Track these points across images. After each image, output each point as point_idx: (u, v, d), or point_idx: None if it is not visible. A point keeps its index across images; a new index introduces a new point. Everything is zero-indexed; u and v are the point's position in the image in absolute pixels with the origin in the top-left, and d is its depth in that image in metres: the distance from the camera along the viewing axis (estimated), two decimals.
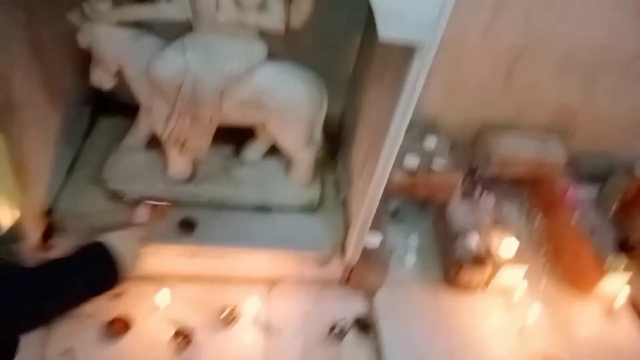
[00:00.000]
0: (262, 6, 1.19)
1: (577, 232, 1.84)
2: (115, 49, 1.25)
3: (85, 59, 1.35)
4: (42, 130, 1.39)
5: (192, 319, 1.48)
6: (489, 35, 1.70)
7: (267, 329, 1.50)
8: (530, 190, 2.05)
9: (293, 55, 1.39)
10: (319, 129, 1.50)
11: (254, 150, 1.64)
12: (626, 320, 1.75)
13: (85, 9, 1.20)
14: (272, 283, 1.62)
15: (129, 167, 1.54)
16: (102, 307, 1.44)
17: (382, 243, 1.62)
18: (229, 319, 1.48)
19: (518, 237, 1.72)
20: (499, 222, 1.80)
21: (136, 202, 1.45)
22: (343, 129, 1.81)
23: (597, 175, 2.05)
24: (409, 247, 1.82)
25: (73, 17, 1.22)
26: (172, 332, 1.42)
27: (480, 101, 1.92)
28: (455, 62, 1.78)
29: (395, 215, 1.89)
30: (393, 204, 1.92)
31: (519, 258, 1.69)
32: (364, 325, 1.56)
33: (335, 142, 1.82)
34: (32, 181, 1.32)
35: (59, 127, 1.49)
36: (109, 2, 1.21)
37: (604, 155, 2.10)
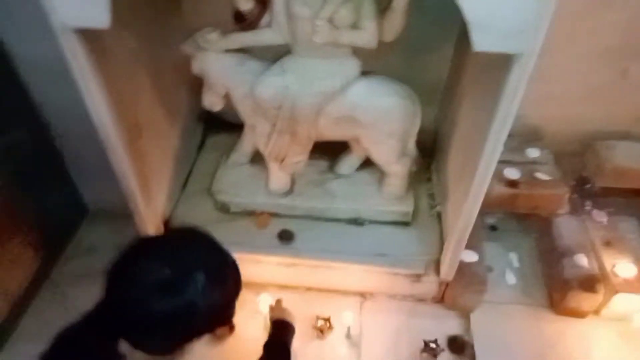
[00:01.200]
0: (356, 25, 1.23)
1: None
2: (223, 74, 1.38)
3: (197, 81, 1.50)
4: (163, 147, 1.57)
5: None
6: (592, 34, 1.57)
7: (359, 343, 1.52)
8: None
9: (385, 68, 1.42)
10: (413, 142, 1.50)
11: (348, 164, 1.69)
12: None
13: (197, 39, 1.34)
14: (364, 296, 1.63)
15: (234, 181, 1.67)
16: None
17: (480, 260, 1.56)
18: (323, 329, 1.52)
19: (637, 258, 1.55)
20: (613, 241, 1.64)
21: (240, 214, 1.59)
22: (437, 140, 1.78)
23: None
24: (508, 265, 1.73)
25: (187, 47, 1.37)
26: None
27: (589, 107, 1.77)
28: (556, 67, 1.66)
29: (494, 230, 1.81)
30: (491, 219, 1.84)
31: (637, 282, 1.53)
32: (459, 346, 1.51)
33: (429, 154, 1.80)
34: (154, 193, 1.49)
35: (176, 144, 1.67)
36: (218, 32, 1.34)
37: None
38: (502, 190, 1.63)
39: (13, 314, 1.54)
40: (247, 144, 1.66)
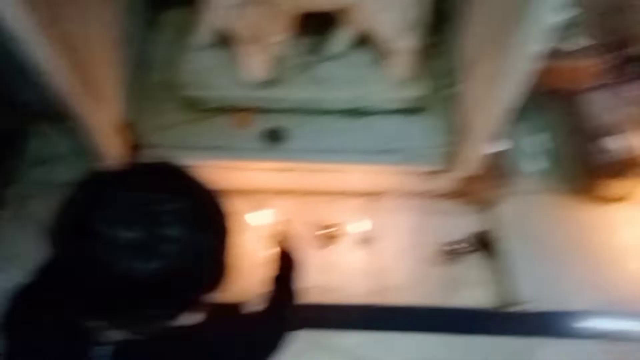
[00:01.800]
0: None
1: None
2: None
3: None
4: (98, 30, 1.18)
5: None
6: None
7: (370, 247, 1.34)
8: None
9: None
10: (424, 7, 1.16)
11: (340, 41, 1.35)
12: None
13: None
14: (373, 197, 1.42)
15: (200, 69, 1.33)
16: None
17: (507, 148, 1.34)
18: (329, 236, 1.34)
19: None
20: None
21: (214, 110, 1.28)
22: (454, 5, 1.43)
23: None
24: (535, 150, 1.51)
25: None
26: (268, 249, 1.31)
27: None
28: None
29: (518, 112, 1.56)
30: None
31: None
32: (485, 241, 1.35)
33: (443, 24, 1.45)
34: (98, 92, 1.16)
35: (116, 23, 1.27)
36: None
37: None
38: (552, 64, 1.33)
39: None
40: (209, 20, 1.28)
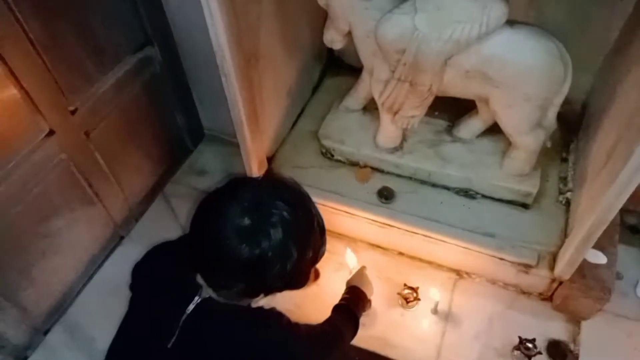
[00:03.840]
0: None
1: None
2: (347, 7, 1.27)
3: (321, 18, 1.41)
4: (278, 81, 1.53)
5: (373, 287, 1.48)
6: None
7: (446, 321, 1.40)
8: None
9: (539, 19, 1.19)
10: (554, 112, 1.27)
11: (470, 128, 1.50)
12: None
13: None
14: (460, 274, 1.49)
15: (342, 127, 1.59)
16: None
17: (609, 264, 1.32)
18: (409, 298, 1.43)
19: None
20: None
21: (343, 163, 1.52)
22: (586, 115, 1.50)
23: None
24: None
25: None
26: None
27: None
28: None
29: (634, 233, 1.52)
30: (633, 219, 1.54)
31: None
32: (561, 352, 1.32)
33: (572, 130, 1.53)
34: (262, 127, 1.48)
35: (292, 80, 1.62)
36: None
37: None
38: None
39: (128, 219, 1.69)
40: (362, 89, 1.56)
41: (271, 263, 0.73)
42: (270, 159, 1.59)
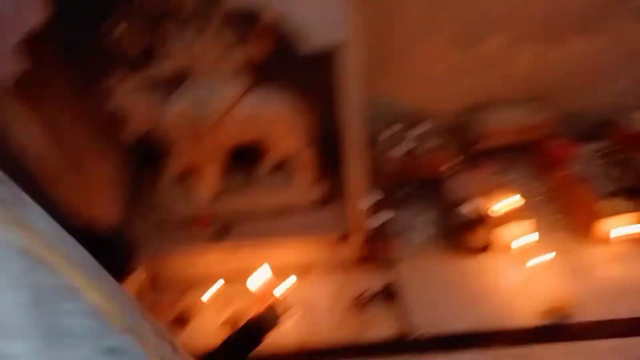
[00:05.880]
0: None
1: (574, 181, 1.96)
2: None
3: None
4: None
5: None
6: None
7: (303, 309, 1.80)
8: (529, 154, 2.19)
9: None
10: (310, 136, 1.80)
11: (264, 165, 1.97)
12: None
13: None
14: (303, 269, 1.90)
15: (169, 196, 1.93)
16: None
17: (393, 221, 1.88)
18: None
19: (525, 196, 1.90)
20: (500, 187, 1.97)
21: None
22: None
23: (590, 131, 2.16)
24: (419, 224, 2.04)
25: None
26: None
27: (455, 85, 2.11)
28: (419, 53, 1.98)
29: (405, 199, 2.11)
30: (402, 190, 2.15)
31: (524, 214, 1.87)
32: (389, 292, 1.81)
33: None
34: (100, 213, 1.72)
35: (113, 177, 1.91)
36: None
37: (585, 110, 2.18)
38: (397, 164, 1.96)
39: None
40: (171, 163, 1.92)
41: None
42: None
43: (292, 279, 1.82)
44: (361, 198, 1.68)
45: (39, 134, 1.37)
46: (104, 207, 1.81)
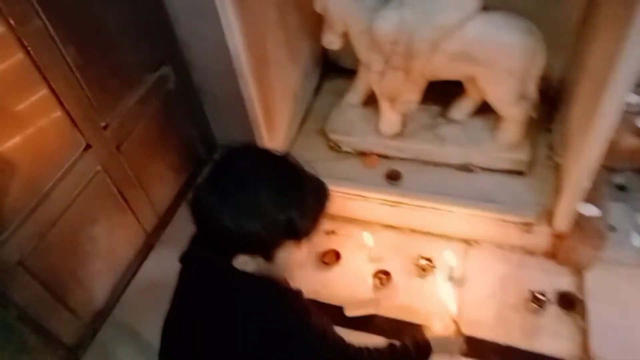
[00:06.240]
0: None
1: None
2: (342, 10, 1.44)
3: (317, 25, 1.58)
4: (285, 84, 1.69)
5: (391, 263, 1.61)
6: None
7: (461, 285, 1.52)
8: None
9: (510, 5, 1.35)
10: (534, 84, 1.42)
11: (462, 109, 1.66)
12: None
13: None
14: (469, 243, 1.62)
15: (346, 121, 1.75)
16: (318, 241, 1.68)
17: (601, 217, 1.45)
18: (425, 268, 1.56)
19: None
20: None
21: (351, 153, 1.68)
22: (564, 86, 1.66)
23: None
24: (635, 227, 1.57)
25: None
26: (373, 269, 1.58)
27: None
28: None
29: (622, 190, 1.65)
30: (620, 178, 1.68)
31: None
32: (569, 301, 1.44)
33: (554, 101, 1.69)
34: (275, 126, 1.63)
35: (297, 83, 1.79)
36: None
37: None
38: (632, 142, 1.48)
39: (157, 227, 1.82)
40: (361, 84, 1.72)
41: (280, 223, 0.78)
42: None
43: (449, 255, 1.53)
44: (580, 179, 1.29)
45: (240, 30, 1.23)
46: (281, 125, 1.70)
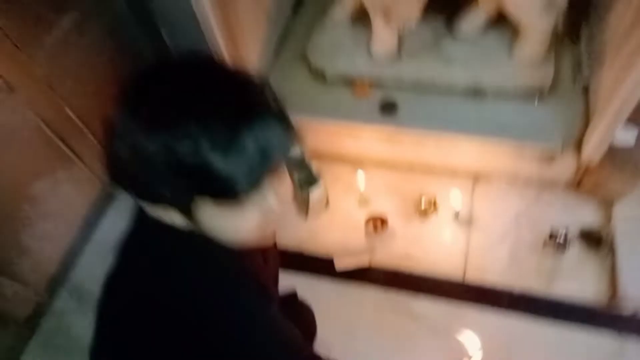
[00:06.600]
0: None
1: None
2: None
3: None
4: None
5: (387, 206, 1.40)
6: None
7: (470, 226, 1.33)
8: None
9: None
10: None
11: (472, 22, 1.37)
12: None
13: None
14: (478, 177, 1.41)
15: (332, 42, 1.45)
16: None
17: (637, 143, 1.23)
18: (427, 210, 1.35)
19: None
20: None
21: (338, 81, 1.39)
22: None
23: None
24: None
25: None
26: (366, 214, 1.37)
27: None
28: None
29: None
30: None
31: None
32: (595, 239, 1.26)
33: (581, 13, 1.40)
34: (243, 52, 1.33)
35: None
36: None
37: None
38: None
39: None
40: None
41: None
42: None
43: (456, 194, 1.32)
44: (625, 98, 1.04)
45: None
46: (251, 48, 1.39)
